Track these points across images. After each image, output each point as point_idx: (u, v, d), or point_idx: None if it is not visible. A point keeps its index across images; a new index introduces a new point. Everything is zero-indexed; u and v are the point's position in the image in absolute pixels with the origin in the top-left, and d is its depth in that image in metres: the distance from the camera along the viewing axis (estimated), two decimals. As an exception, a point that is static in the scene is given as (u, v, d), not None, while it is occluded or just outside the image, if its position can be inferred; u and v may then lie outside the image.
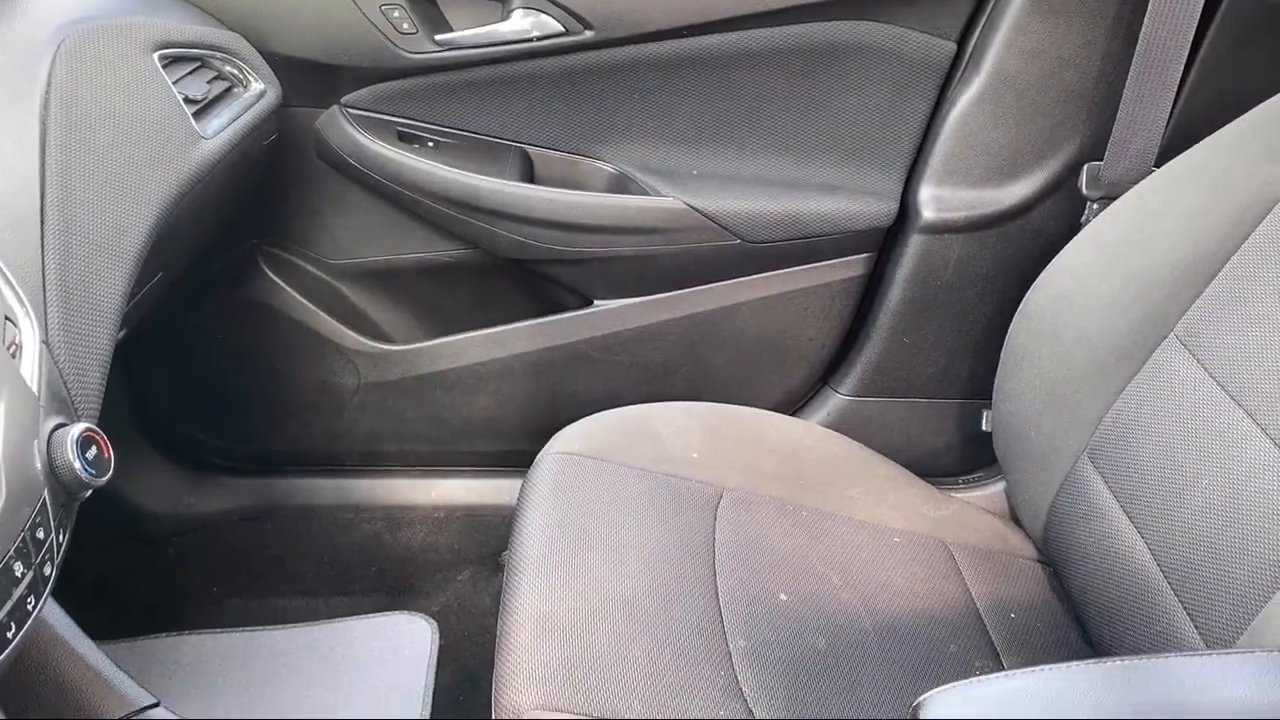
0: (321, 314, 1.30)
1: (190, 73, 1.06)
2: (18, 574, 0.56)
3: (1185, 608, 0.89)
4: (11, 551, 0.56)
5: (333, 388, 1.33)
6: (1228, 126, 1.00)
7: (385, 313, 1.34)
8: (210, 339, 1.31)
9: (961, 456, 1.30)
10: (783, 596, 1.00)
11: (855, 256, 1.28)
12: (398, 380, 1.33)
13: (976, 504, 1.25)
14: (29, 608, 0.58)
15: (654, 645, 0.90)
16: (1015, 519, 1.21)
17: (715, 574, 1.00)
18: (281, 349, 1.31)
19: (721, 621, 0.95)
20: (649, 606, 0.94)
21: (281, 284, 1.29)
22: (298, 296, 1.29)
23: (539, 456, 1.13)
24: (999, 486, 1.26)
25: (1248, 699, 0.63)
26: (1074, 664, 0.68)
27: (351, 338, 1.32)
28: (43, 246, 0.70)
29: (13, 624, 0.57)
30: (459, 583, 1.39)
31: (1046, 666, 0.68)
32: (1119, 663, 0.67)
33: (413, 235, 1.28)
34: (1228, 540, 0.86)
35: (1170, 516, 0.93)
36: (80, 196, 0.77)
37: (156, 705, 0.75)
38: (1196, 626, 0.88)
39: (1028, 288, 1.13)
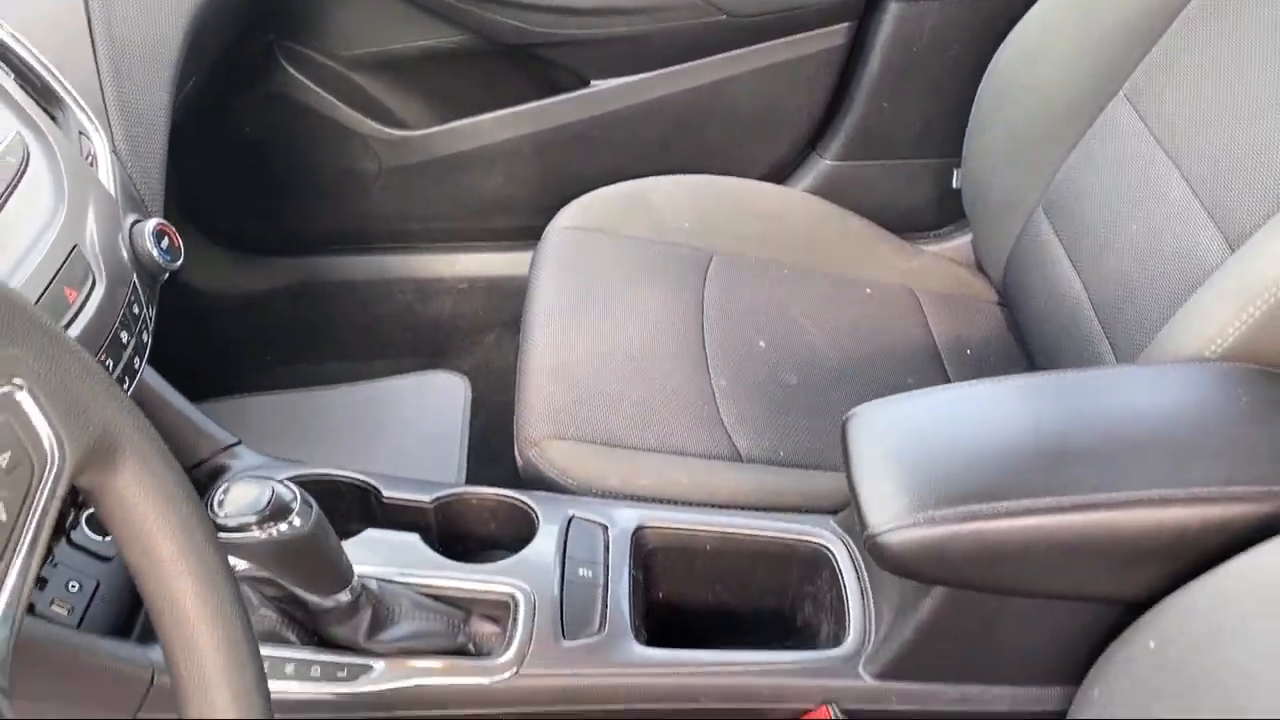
0: (340, 104, 1.40)
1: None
2: (124, 341, 0.71)
3: (1108, 338, 1.03)
4: (117, 324, 0.70)
5: (357, 173, 1.45)
6: None
7: (399, 101, 1.44)
8: (240, 134, 1.41)
9: (934, 213, 1.41)
10: (761, 343, 1.15)
11: (836, 26, 1.34)
12: (416, 164, 1.44)
13: (945, 255, 1.37)
14: (135, 367, 0.73)
15: (648, 387, 1.05)
16: (980, 267, 1.34)
17: (703, 328, 1.15)
18: (306, 139, 1.42)
19: (707, 366, 1.10)
20: (644, 356, 1.09)
21: (300, 78, 1.38)
22: (316, 89, 1.39)
23: (545, 231, 1.25)
24: (966, 238, 1.37)
25: (1133, 399, 0.76)
26: (990, 380, 0.82)
27: (370, 125, 1.42)
28: (97, 67, 0.81)
29: (125, 379, 0.72)
30: (485, 344, 1.56)
31: (969, 382, 0.82)
32: (1031, 377, 0.81)
33: (419, 24, 1.36)
34: (1144, 278, 0.98)
35: (1103, 259, 1.05)
36: (121, 14, 0.87)
37: (238, 443, 0.92)
38: (1116, 354, 1.02)
39: (997, 51, 1.21)
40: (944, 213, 1.42)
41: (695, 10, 1.32)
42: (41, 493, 0.42)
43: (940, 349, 1.21)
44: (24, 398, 0.42)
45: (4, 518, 0.41)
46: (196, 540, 0.48)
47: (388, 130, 1.43)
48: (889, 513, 0.69)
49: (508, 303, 1.50)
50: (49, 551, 0.47)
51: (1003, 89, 1.22)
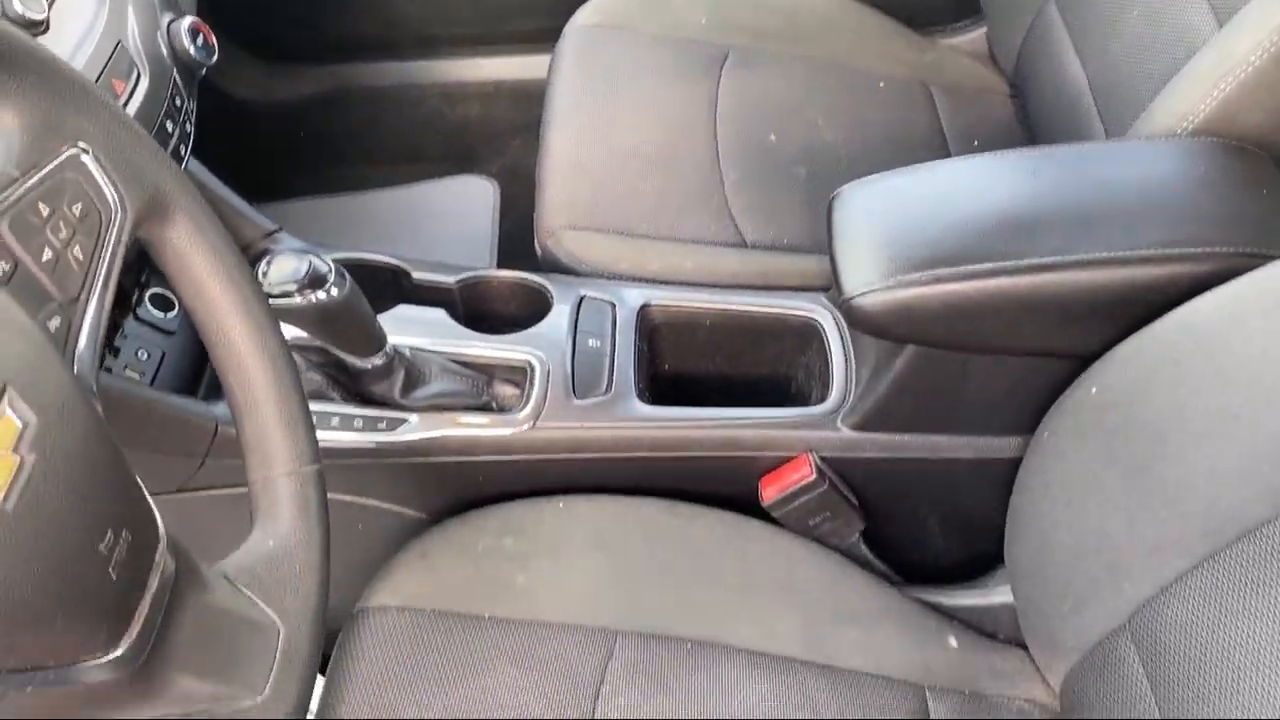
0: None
1: None
2: (169, 130, 0.79)
3: (1103, 122, 1.06)
4: (162, 114, 0.78)
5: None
6: None
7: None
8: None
9: (950, 5, 1.42)
10: (772, 137, 1.19)
11: None
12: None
13: (959, 48, 1.39)
14: (181, 154, 0.81)
15: (660, 180, 1.12)
16: (993, 59, 1.35)
17: (716, 122, 1.19)
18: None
19: (718, 159, 1.15)
20: (658, 150, 1.14)
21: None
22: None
23: (564, 30, 1.29)
24: (981, 31, 1.38)
25: (1099, 173, 0.82)
26: (964, 157, 0.87)
27: (393, -74, 1.44)
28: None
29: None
30: (513, 148, 1.61)
31: (945, 160, 0.87)
32: (1004, 154, 0.86)
33: None
34: (1139, 62, 1.01)
35: (1107, 45, 1.07)
36: None
37: (279, 230, 1.00)
38: (1107, 137, 1.05)
39: None
40: (959, 5, 1.42)
41: None
42: (109, 238, 0.51)
43: (949, 140, 1.24)
44: (88, 160, 0.50)
45: (81, 257, 0.49)
46: (243, 287, 0.57)
47: (406, -71, 1.45)
48: (863, 278, 0.77)
49: (534, 106, 1.54)
50: (119, 302, 0.56)
51: None
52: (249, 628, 0.52)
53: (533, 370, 0.88)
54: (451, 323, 0.91)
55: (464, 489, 0.89)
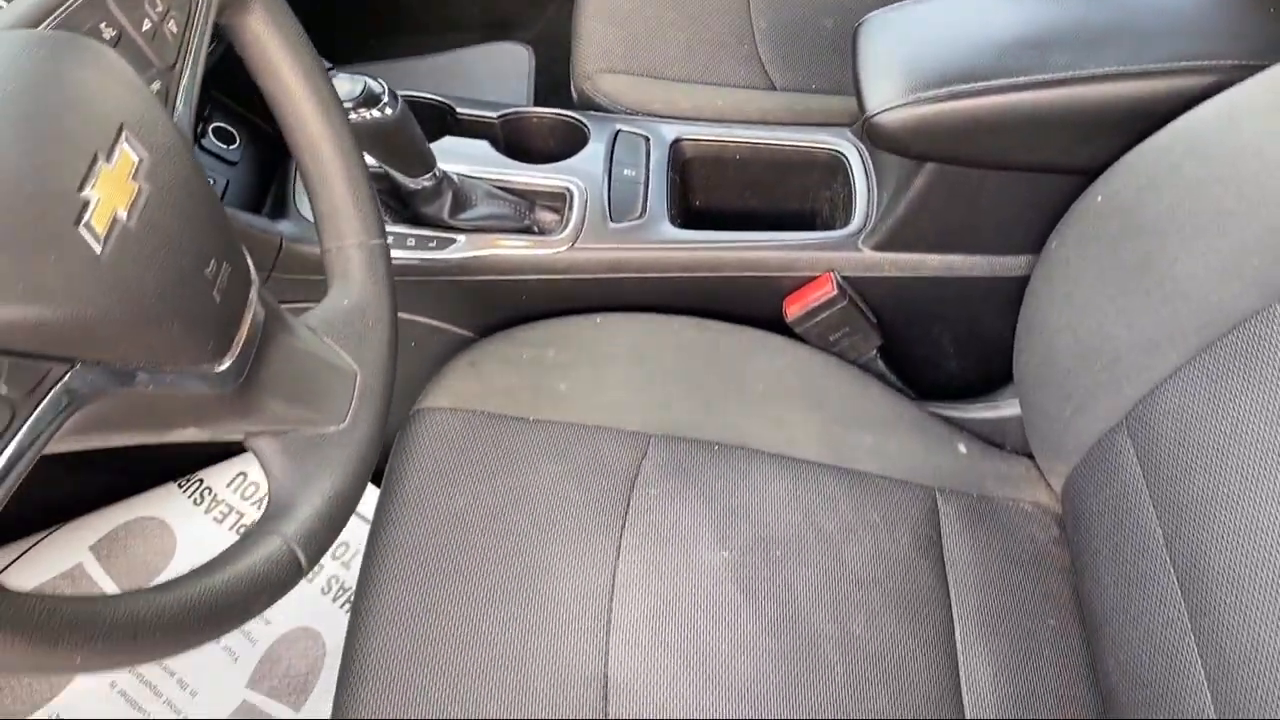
0: None
1: None
2: None
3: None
4: None
5: None
6: None
7: None
8: None
9: None
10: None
11: None
12: None
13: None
14: None
15: (692, 28, 1.15)
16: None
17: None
18: None
19: (749, 9, 1.19)
20: (691, 1, 1.18)
21: None
22: None
23: None
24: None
25: None
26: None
27: None
28: None
29: None
30: (547, 15, 1.64)
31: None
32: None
33: None
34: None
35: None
36: None
37: (333, 68, 1.05)
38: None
39: None
40: None
41: None
42: (198, 16, 0.57)
43: None
44: (180, -61, 0.56)
45: (175, 31, 0.55)
46: (314, 75, 0.63)
47: None
48: (884, 96, 0.81)
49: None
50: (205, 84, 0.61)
51: None
52: (329, 369, 0.59)
53: (571, 196, 0.94)
54: (495, 153, 0.97)
55: (507, 307, 0.95)
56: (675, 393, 0.92)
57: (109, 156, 0.47)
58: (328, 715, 0.84)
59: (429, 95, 1.01)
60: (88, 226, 0.45)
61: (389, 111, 0.81)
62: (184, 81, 0.56)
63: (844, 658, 0.82)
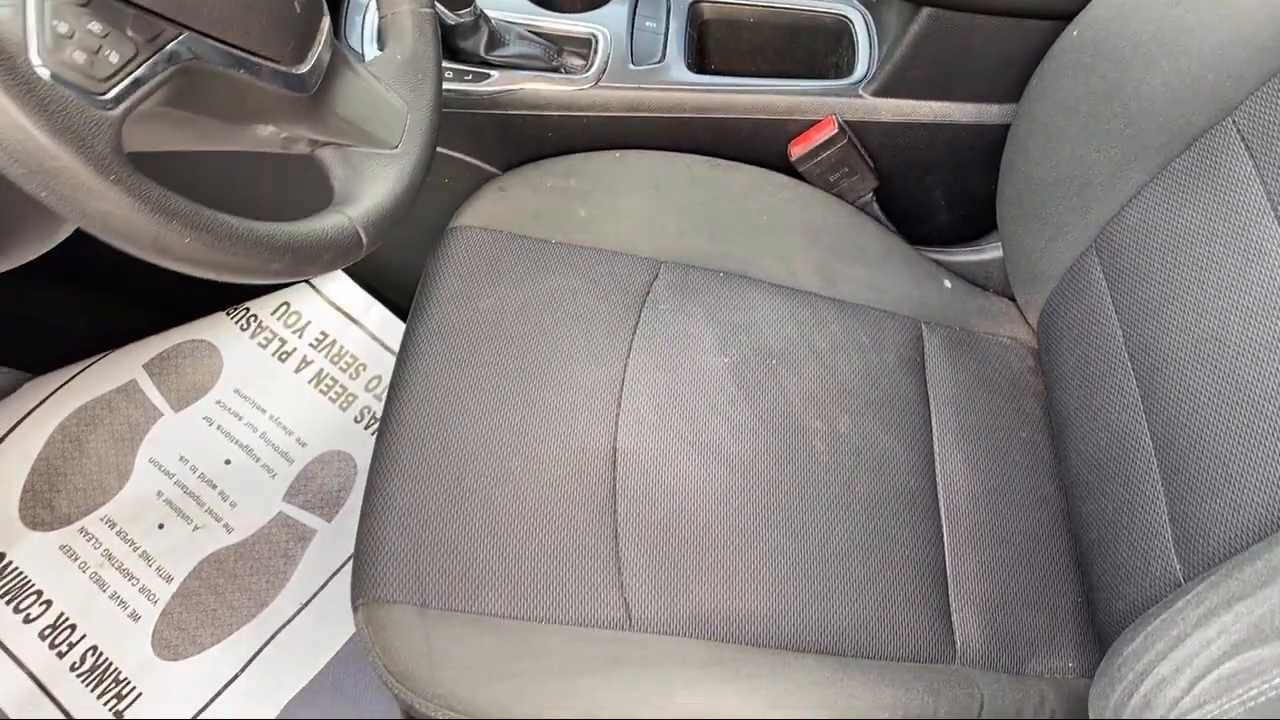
0: None
1: None
2: None
3: None
4: None
5: None
6: None
7: None
8: None
9: None
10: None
11: None
12: None
13: None
14: None
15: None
16: None
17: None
18: None
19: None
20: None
21: None
22: None
23: None
24: None
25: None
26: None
27: None
28: None
29: None
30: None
31: None
32: None
33: None
34: None
35: None
36: None
37: None
38: None
39: None
40: None
41: None
42: None
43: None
44: None
45: None
46: None
47: None
48: (884, -61, 0.90)
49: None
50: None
51: None
52: (385, 104, 0.68)
53: (596, 41, 1.03)
54: (528, 3, 1.05)
55: (533, 143, 1.04)
56: (686, 223, 1.00)
57: None
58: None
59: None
60: (199, -86, 0.54)
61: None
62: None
63: (829, 449, 0.91)
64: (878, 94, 1.01)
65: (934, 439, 0.94)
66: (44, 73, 0.46)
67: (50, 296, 1.20)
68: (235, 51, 0.57)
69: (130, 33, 0.51)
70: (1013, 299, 1.05)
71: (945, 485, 0.92)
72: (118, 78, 0.50)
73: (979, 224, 1.07)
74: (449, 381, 0.89)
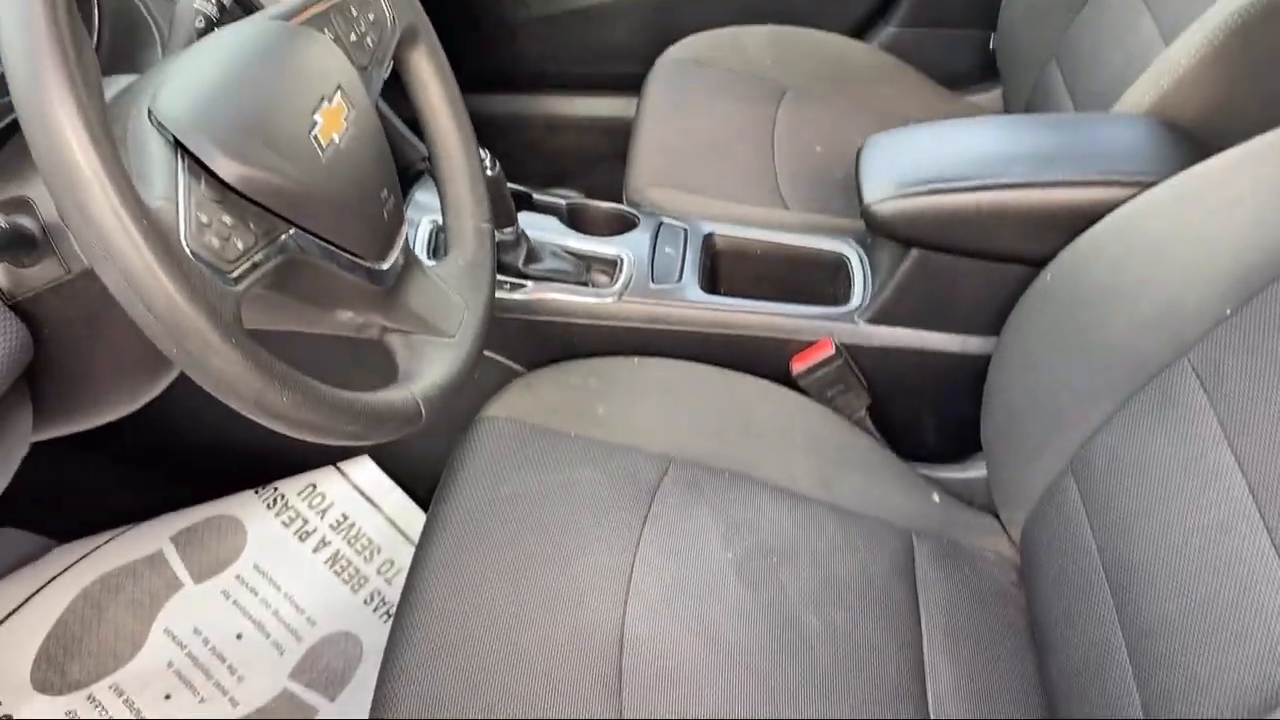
0: (502, -39, 1.77)
1: None
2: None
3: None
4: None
5: (510, 20, 1.82)
6: None
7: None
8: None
9: (974, 69, 1.72)
10: (818, 148, 1.47)
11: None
12: (558, 14, 1.80)
13: (980, 104, 1.68)
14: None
15: (724, 164, 1.39)
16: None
17: (773, 135, 1.47)
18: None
19: (773, 159, 1.43)
20: (725, 145, 1.43)
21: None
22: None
23: (657, 61, 1.60)
24: (998, 90, 1.68)
25: (1066, 130, 1.08)
26: (965, 119, 1.14)
27: (523, -21, 1.79)
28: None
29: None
30: (599, 170, 1.91)
31: (952, 120, 1.14)
32: (996, 117, 1.12)
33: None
34: (1117, 93, 1.28)
35: (1090, 87, 1.35)
36: None
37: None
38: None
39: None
40: (982, 70, 1.72)
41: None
42: (387, 39, 0.79)
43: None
44: (382, -9, 0.79)
45: (370, 45, 0.78)
46: (458, 106, 0.85)
47: (537, -17, 1.79)
48: (881, 190, 1.03)
49: (620, 139, 1.85)
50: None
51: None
52: (447, 301, 0.78)
53: (622, 261, 1.15)
54: (562, 225, 1.18)
55: (560, 348, 1.14)
56: (695, 425, 1.09)
57: (330, 100, 0.68)
58: (359, 709, 0.96)
59: (512, 185, 1.24)
60: (315, 138, 0.66)
61: (490, 169, 1.02)
62: (373, 79, 0.78)
63: (825, 644, 0.96)
64: (871, 321, 1.12)
65: (924, 641, 0.99)
66: (189, 252, 0.56)
67: (86, 467, 1.27)
68: (331, 247, 0.67)
69: (252, 225, 0.61)
70: (997, 515, 1.13)
71: (934, 684, 0.96)
72: (241, 260, 0.59)
73: (965, 444, 1.16)
74: (469, 561, 0.95)
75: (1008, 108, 1.63)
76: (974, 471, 1.15)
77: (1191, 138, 1.06)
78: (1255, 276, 0.82)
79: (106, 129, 0.51)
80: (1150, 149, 1.02)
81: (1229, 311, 0.85)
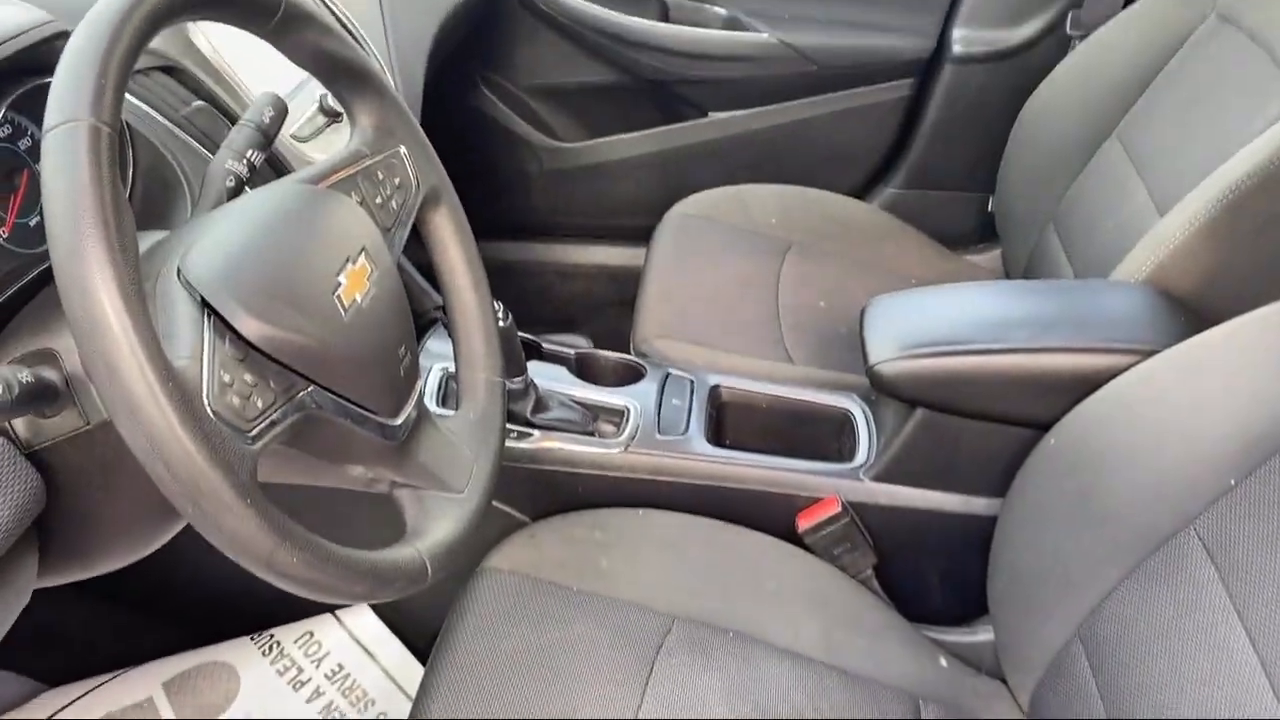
0: (517, 119, 1.84)
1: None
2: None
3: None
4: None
5: (523, 174, 1.88)
6: None
7: (561, 120, 1.87)
8: (441, 139, 1.86)
9: (974, 231, 1.77)
10: (821, 304, 1.50)
11: (902, 81, 1.74)
12: (568, 169, 1.87)
13: (980, 264, 1.72)
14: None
15: (731, 319, 1.42)
16: (1006, 273, 1.68)
17: (778, 291, 1.51)
18: (489, 145, 1.86)
19: (778, 314, 1.46)
20: (731, 299, 1.46)
21: (491, 97, 1.83)
22: (502, 106, 1.83)
23: (665, 216, 1.65)
24: (997, 251, 1.72)
25: (1064, 298, 1.10)
26: (969, 284, 1.16)
27: (537, 136, 1.85)
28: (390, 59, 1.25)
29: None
30: (608, 316, 1.95)
31: (953, 285, 1.16)
32: (998, 283, 1.15)
33: (581, 62, 1.80)
34: (1112, 263, 1.32)
35: (1085, 252, 1.39)
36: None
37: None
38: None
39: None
40: (981, 231, 1.77)
41: (794, 62, 1.73)
42: (410, 201, 0.82)
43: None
44: (404, 156, 0.82)
45: (394, 208, 0.80)
46: (475, 265, 0.88)
47: (550, 141, 1.86)
48: (886, 351, 1.05)
49: (628, 286, 1.89)
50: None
51: (1029, 131, 1.59)
52: (457, 455, 0.79)
53: (628, 411, 1.16)
54: (570, 375, 1.20)
55: (565, 497, 1.14)
56: (699, 583, 1.08)
57: (354, 261, 0.70)
58: None
59: (522, 334, 1.26)
60: (338, 298, 0.67)
61: (503, 321, 1.05)
62: (395, 242, 0.80)
63: (831, 815, 0.93)
64: (876, 479, 1.12)
65: (933, 811, 0.96)
66: (211, 413, 0.57)
67: (80, 611, 1.25)
68: (347, 403, 0.68)
69: (273, 383, 0.62)
70: (1005, 681, 1.10)
71: None
72: (260, 419, 0.60)
73: (972, 606, 1.14)
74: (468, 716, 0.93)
75: (1007, 268, 1.67)
76: (981, 635, 1.13)
77: (1188, 308, 1.09)
78: (1257, 449, 0.83)
79: (140, 291, 0.53)
80: (1149, 317, 1.04)
81: (1233, 483, 0.85)
